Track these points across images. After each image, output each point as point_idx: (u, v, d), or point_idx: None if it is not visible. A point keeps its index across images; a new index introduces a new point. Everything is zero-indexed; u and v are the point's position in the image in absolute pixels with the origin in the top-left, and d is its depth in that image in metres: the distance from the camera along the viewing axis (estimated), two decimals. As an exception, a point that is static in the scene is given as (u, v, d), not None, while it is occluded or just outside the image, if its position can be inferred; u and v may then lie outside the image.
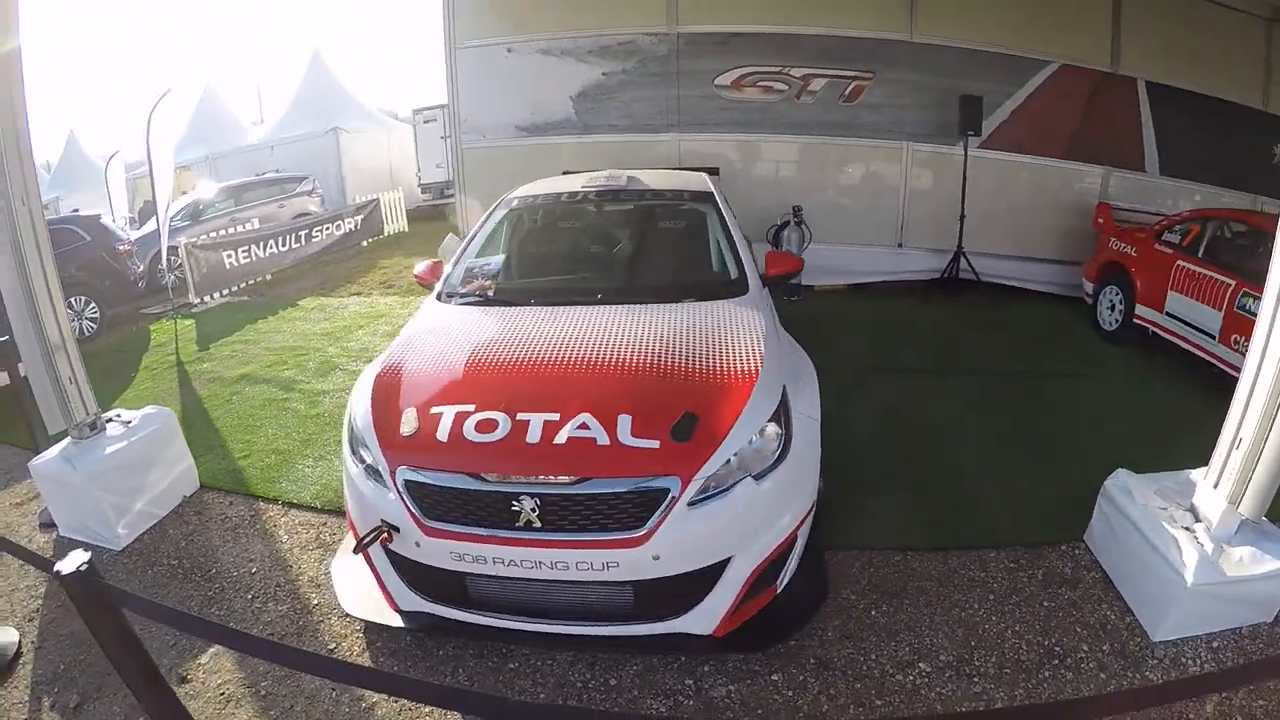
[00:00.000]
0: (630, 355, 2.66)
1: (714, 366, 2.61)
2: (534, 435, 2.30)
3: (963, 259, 7.16)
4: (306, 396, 5.00)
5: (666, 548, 2.20)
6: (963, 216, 7.04)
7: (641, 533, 2.20)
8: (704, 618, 2.33)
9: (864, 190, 7.69)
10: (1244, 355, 4.40)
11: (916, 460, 3.88)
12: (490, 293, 3.42)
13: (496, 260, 3.67)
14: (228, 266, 8.13)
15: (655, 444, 2.28)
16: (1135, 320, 5.71)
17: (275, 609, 2.91)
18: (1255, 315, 4.46)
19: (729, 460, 2.29)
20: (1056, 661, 2.56)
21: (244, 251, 8.38)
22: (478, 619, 2.42)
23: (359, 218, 11.50)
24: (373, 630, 2.73)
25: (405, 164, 15.95)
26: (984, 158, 7.09)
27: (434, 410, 2.46)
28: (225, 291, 8.20)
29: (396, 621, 2.58)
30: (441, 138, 14.83)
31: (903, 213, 7.65)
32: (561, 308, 3.13)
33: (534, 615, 2.38)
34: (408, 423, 2.45)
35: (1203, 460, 3.00)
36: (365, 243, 11.64)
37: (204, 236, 8.21)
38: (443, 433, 2.38)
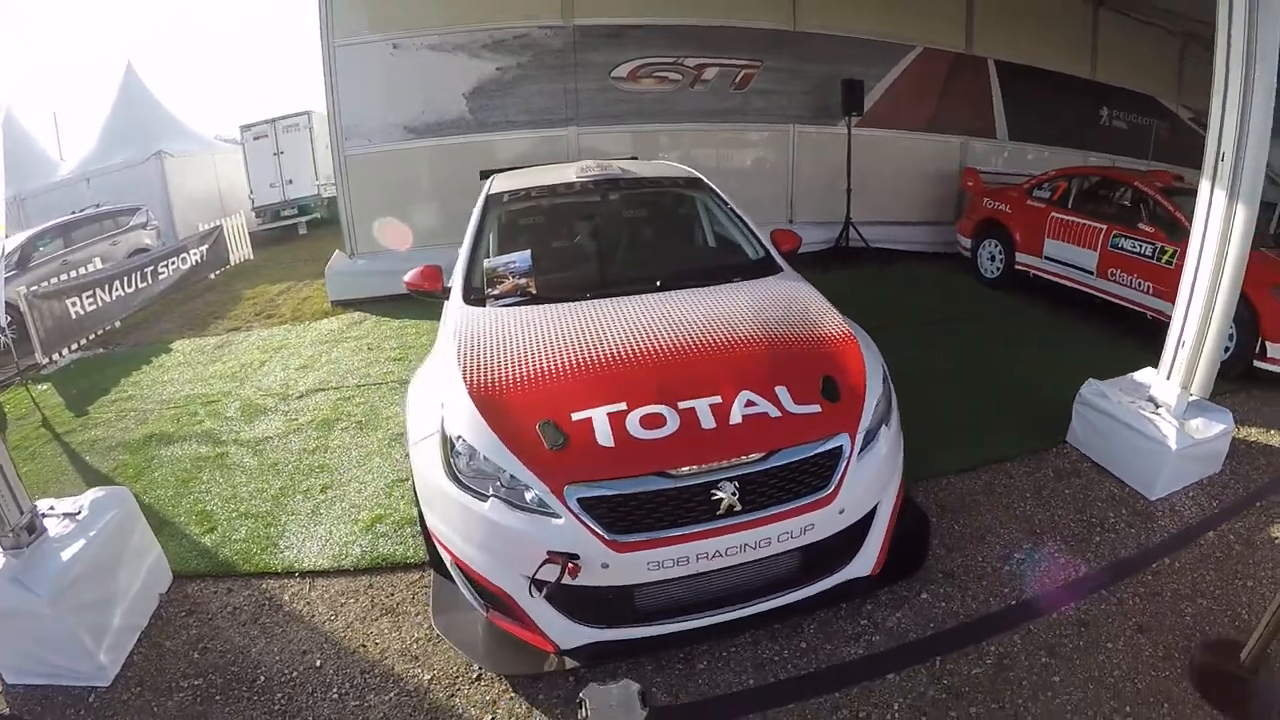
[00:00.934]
0: (736, 332, 2.70)
1: (815, 333, 2.77)
2: (708, 421, 2.27)
3: (851, 229, 7.79)
4: (247, 448, 4.38)
5: (848, 500, 2.31)
6: (849, 190, 7.65)
7: (829, 491, 2.29)
8: (864, 561, 2.48)
9: (756, 171, 8.13)
10: (1119, 285, 5.40)
11: (903, 402, 4.24)
12: (533, 290, 3.16)
13: (520, 257, 3.35)
14: (74, 316, 6.76)
15: (817, 408, 2.38)
16: (1016, 267, 6.58)
17: (380, 700, 2.42)
18: (1127, 252, 5.43)
19: (873, 412, 2.46)
20: (1099, 529, 3.21)
21: (89, 297, 7.02)
22: (654, 630, 2.28)
23: (204, 248, 10.15)
24: (522, 686, 2.42)
25: (235, 188, 14.33)
26: (861, 135, 7.75)
27: (577, 416, 2.28)
28: (75, 346, 6.86)
29: (554, 665, 2.37)
30: (274, 154, 13.67)
31: (791, 190, 8.21)
32: (624, 298, 3.02)
33: (708, 608, 2.31)
34: (548, 435, 2.23)
35: (1106, 366, 3.96)
36: (213, 275, 10.32)
37: (43, 284, 6.79)
38: (605, 437, 2.22)
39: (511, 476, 2.22)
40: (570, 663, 2.35)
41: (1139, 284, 5.27)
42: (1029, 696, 2.33)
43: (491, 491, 2.23)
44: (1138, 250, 5.29)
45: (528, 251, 3.37)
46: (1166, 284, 5.06)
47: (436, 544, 2.52)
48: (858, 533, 2.43)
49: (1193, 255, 3.29)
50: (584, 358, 2.55)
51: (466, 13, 6.55)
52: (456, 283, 3.33)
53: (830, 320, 2.89)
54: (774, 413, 2.32)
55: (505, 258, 3.37)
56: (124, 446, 4.65)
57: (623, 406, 2.30)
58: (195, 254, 9.91)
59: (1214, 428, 3.40)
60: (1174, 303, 4.94)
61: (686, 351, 2.58)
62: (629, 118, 7.30)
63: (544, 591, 2.13)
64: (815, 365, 2.58)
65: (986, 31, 8.19)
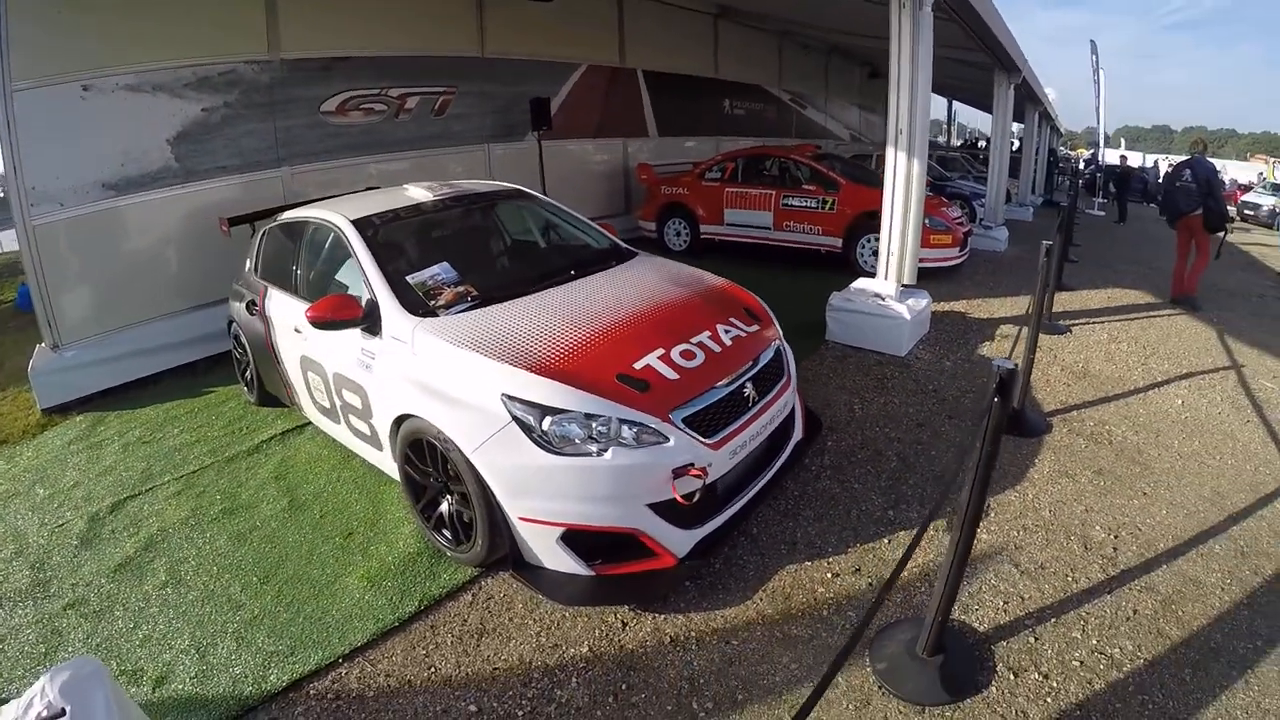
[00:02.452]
0: (673, 293, 3.52)
1: (715, 285, 3.78)
2: (715, 347, 3.09)
3: (552, 230, 8.77)
4: (104, 582, 3.28)
5: (792, 384, 3.40)
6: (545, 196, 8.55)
7: (786, 377, 3.35)
8: (798, 429, 3.56)
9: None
10: (794, 233, 7.46)
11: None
12: (474, 294, 3.37)
13: (442, 268, 3.51)
14: None
15: (757, 327, 3.41)
16: (703, 237, 8.39)
17: (567, 692, 2.48)
18: (796, 207, 7.47)
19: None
20: (886, 379, 4.95)
21: None
22: (728, 513, 2.94)
23: None
24: (660, 608, 2.80)
25: None
26: (546, 146, 8.63)
27: (639, 365, 2.86)
28: None
29: (682, 572, 2.80)
30: None
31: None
32: (560, 287, 3.52)
33: (747, 485, 3.07)
34: (631, 384, 2.75)
35: (809, 288, 5.78)
36: None
37: None
38: (669, 373, 2.87)
39: (622, 422, 2.63)
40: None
41: (810, 229, 7.44)
42: (934, 457, 3.86)
43: (598, 446, 2.62)
44: (804, 205, 7.44)
45: (445, 263, 3.57)
46: (830, 225, 7.27)
47: (537, 529, 2.72)
48: (793, 409, 3.50)
49: (888, 196, 5.12)
50: (594, 329, 3.07)
51: (165, 47, 5.48)
52: (389, 305, 3.27)
53: (712, 276, 3.92)
54: (742, 334, 3.28)
55: (427, 272, 3.51)
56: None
57: (661, 351, 2.95)
58: None
59: (922, 302, 5.41)
60: (840, 237, 7.16)
61: (658, 310, 3.32)
62: (341, 152, 6.98)
63: (694, 498, 2.67)
64: (734, 302, 3.64)
65: (634, 46, 10.09)
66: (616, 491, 2.63)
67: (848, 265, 7.39)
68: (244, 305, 4.60)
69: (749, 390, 3.02)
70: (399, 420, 3.10)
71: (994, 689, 2.37)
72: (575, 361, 2.84)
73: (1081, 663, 2.48)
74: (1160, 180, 19.78)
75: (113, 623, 3.10)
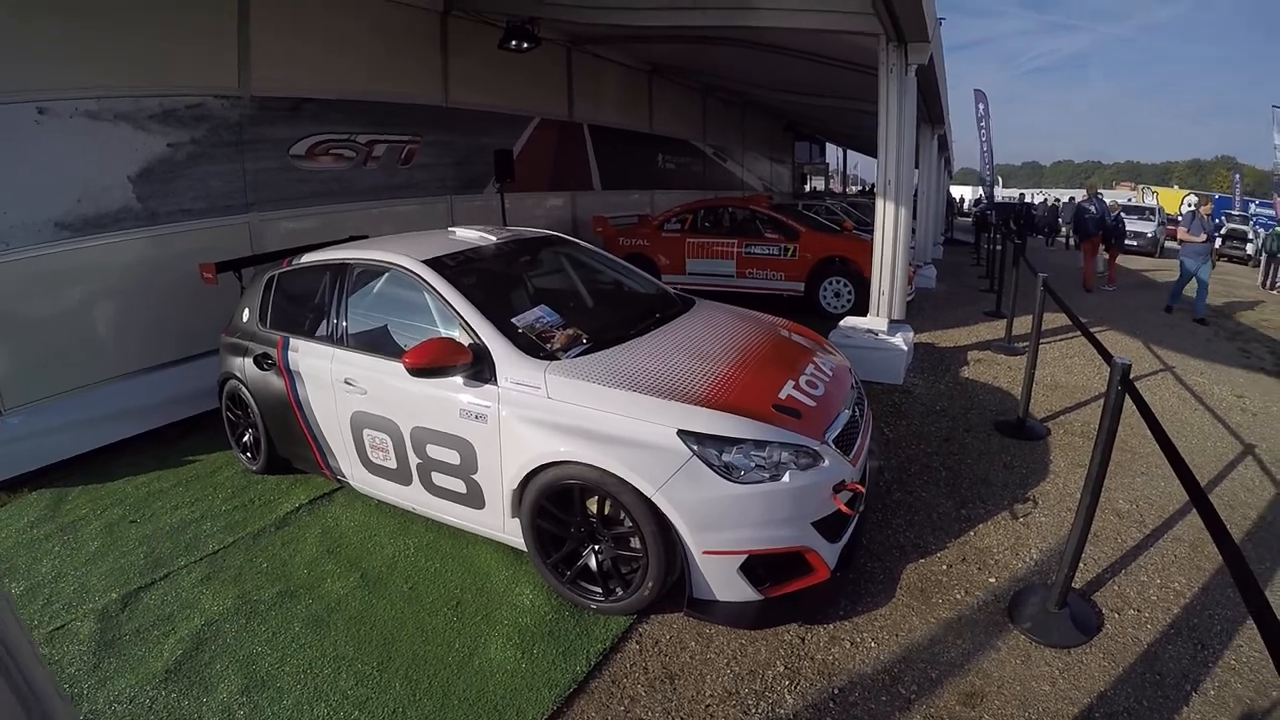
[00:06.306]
0: (759, 334, 3.73)
1: (785, 324, 4.07)
2: (825, 376, 3.35)
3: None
4: (164, 697, 2.56)
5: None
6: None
7: (865, 400, 3.64)
8: None
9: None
10: (757, 280, 7.97)
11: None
12: (586, 340, 3.30)
13: (544, 310, 3.46)
14: None
15: (837, 357, 3.78)
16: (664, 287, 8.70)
17: (790, 706, 2.52)
18: (758, 255, 7.97)
19: None
20: (901, 409, 5.39)
21: None
22: (852, 525, 3.06)
23: None
24: (825, 618, 2.95)
25: None
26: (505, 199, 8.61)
27: (783, 394, 3.02)
28: None
29: (833, 581, 2.89)
30: None
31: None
32: (661, 329, 3.59)
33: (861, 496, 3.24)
34: (784, 414, 2.88)
35: None
36: None
37: None
38: (809, 400, 3.06)
39: (782, 446, 2.73)
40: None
41: (773, 275, 7.98)
42: (971, 464, 4.35)
43: (770, 472, 2.69)
44: (767, 252, 7.99)
45: (544, 305, 3.54)
46: (793, 271, 7.84)
47: (720, 561, 2.72)
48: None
49: (878, 239, 5.75)
50: (728, 365, 3.19)
51: (131, 72, 4.85)
52: (502, 349, 3.10)
53: (772, 317, 4.15)
54: (835, 365, 3.58)
55: (531, 315, 3.43)
56: None
57: (792, 382, 3.13)
58: None
59: (910, 334, 6.08)
60: (803, 282, 7.74)
61: (764, 347, 3.53)
62: (310, 199, 6.52)
63: (857, 506, 2.91)
64: (810, 337, 3.94)
65: (581, 101, 10.39)
66: (794, 512, 2.72)
67: (810, 308, 7.94)
68: (252, 360, 4.14)
69: (854, 411, 3.27)
70: (534, 471, 2.93)
71: (1109, 625, 2.90)
72: (732, 395, 2.88)
73: (1157, 596, 3.08)
74: (1046, 214, 23.74)
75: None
